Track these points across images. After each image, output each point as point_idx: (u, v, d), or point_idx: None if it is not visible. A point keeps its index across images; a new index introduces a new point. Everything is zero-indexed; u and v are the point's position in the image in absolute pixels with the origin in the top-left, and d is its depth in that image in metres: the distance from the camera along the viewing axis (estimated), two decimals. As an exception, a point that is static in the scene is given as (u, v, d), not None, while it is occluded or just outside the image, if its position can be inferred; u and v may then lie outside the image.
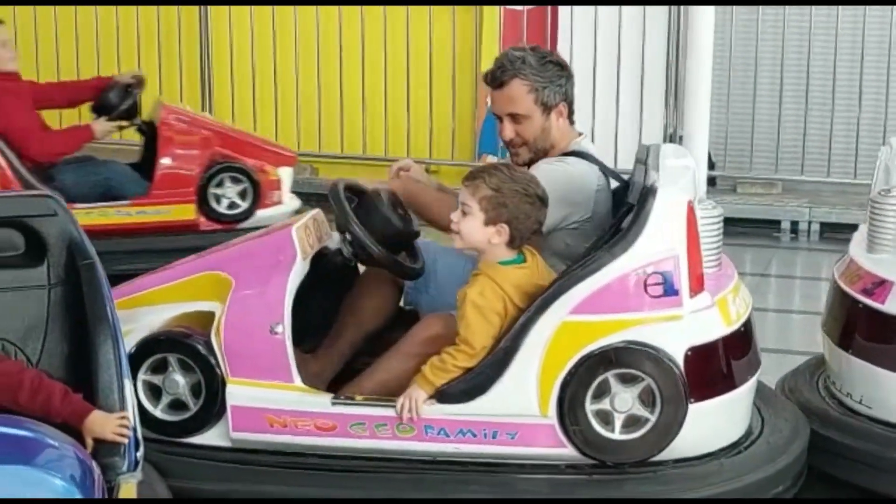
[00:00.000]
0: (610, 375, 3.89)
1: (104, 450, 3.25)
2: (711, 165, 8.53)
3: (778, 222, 8.35)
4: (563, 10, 8.51)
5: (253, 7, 8.98)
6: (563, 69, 4.39)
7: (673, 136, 8.54)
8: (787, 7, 8.47)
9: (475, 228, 3.95)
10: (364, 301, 4.41)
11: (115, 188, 6.85)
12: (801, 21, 8.50)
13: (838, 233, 7.83)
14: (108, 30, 9.24)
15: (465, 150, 8.91)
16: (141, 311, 4.11)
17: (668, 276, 3.90)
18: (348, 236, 4.20)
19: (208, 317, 4.11)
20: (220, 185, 6.86)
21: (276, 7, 8.95)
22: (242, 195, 6.89)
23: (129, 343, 3.80)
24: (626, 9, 8.42)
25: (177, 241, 6.55)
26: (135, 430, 3.35)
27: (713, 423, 4.02)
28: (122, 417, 3.32)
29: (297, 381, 4.02)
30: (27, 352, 3.56)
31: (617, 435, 3.92)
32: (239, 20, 9.05)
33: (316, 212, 4.40)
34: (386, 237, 4.18)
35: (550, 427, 3.91)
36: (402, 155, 8.27)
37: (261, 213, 6.90)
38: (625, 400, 3.90)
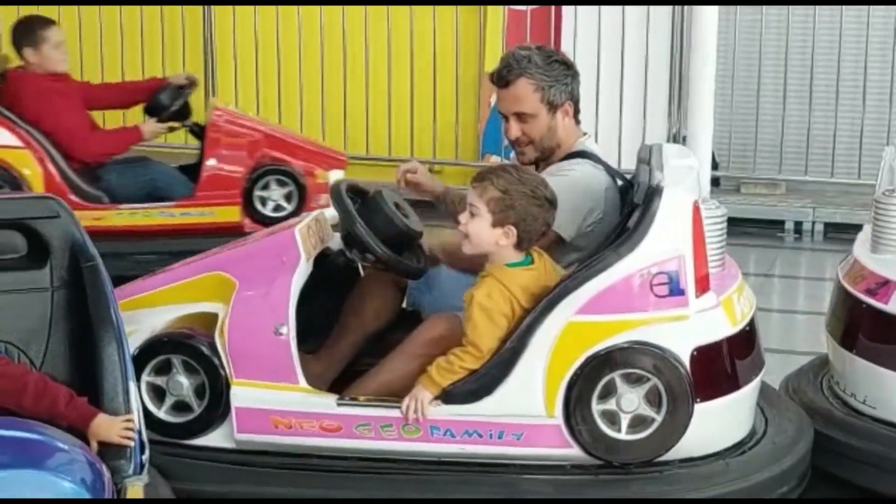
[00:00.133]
0: (616, 376, 3.88)
1: (110, 453, 3.23)
2: (715, 166, 8.51)
3: (781, 222, 8.35)
4: (567, 11, 8.50)
5: (256, 7, 8.96)
6: (569, 68, 4.39)
7: (676, 137, 8.53)
8: (790, 7, 8.46)
9: (483, 230, 3.94)
10: (366, 302, 4.40)
11: (161, 189, 6.83)
12: (805, 21, 8.50)
13: (842, 233, 7.83)
14: (111, 30, 9.24)
15: (469, 150, 8.90)
16: (144, 313, 4.09)
17: (674, 276, 3.89)
18: (351, 237, 4.19)
19: (211, 318, 4.09)
20: (265, 187, 6.83)
21: (279, 7, 8.94)
22: (288, 198, 6.85)
23: (132, 344, 3.76)
24: (630, 9, 8.42)
25: (221, 243, 6.54)
26: (140, 432, 3.34)
27: (719, 422, 4.02)
28: (128, 420, 3.30)
29: (302, 382, 4.00)
30: (30, 354, 3.54)
31: (623, 435, 3.91)
32: (242, 21, 9.04)
33: (318, 213, 4.39)
34: (389, 237, 4.17)
35: (556, 427, 3.90)
36: (405, 155, 8.29)
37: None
38: (631, 400, 3.90)
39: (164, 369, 4.04)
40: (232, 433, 4.02)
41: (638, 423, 3.91)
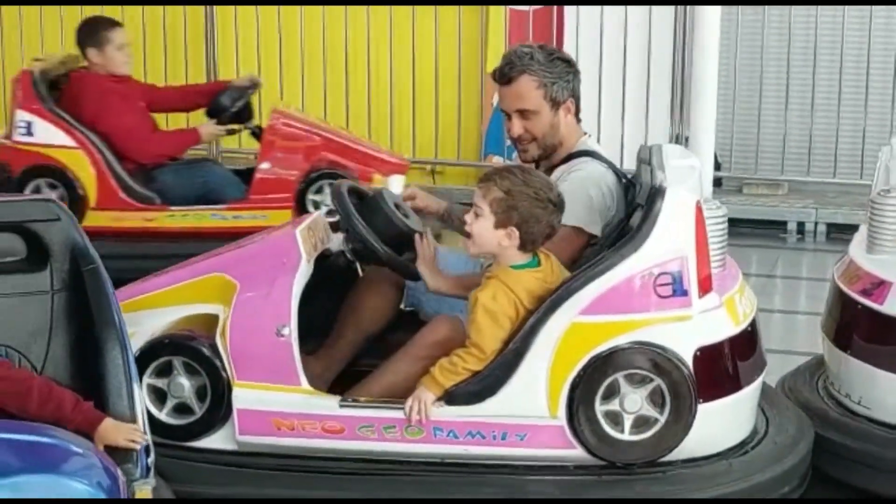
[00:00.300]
0: (619, 376, 3.88)
1: (117, 457, 3.20)
2: (717, 166, 8.51)
3: (784, 223, 8.32)
4: (569, 12, 8.49)
5: (258, 7, 8.95)
6: (571, 66, 4.39)
7: (679, 137, 8.52)
8: (793, 8, 8.45)
9: (486, 230, 3.93)
10: (365, 302, 4.40)
11: (214, 192, 6.81)
12: (808, 22, 8.48)
13: (845, 233, 7.79)
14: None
15: (471, 150, 8.89)
16: (144, 314, 4.08)
17: (677, 277, 3.89)
18: (352, 237, 4.19)
19: (212, 320, 4.09)
20: (319, 191, 6.76)
21: (281, 7, 8.92)
22: None
23: (133, 346, 3.76)
24: (632, 10, 8.40)
25: None
26: (145, 436, 3.33)
27: (721, 423, 4.02)
28: (134, 424, 3.30)
29: (304, 383, 4.00)
30: (31, 358, 3.53)
31: (626, 435, 3.91)
32: (244, 22, 9.03)
33: (317, 214, 4.39)
34: (389, 237, 4.17)
35: (560, 428, 3.90)
36: (408, 155, 8.27)
37: None
38: (634, 401, 3.89)
39: (166, 371, 4.03)
40: (233, 435, 4.01)
41: (641, 423, 3.91)
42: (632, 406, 3.89)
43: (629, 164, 4.59)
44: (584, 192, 4.12)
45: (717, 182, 8.51)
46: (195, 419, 4.02)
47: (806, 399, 4.55)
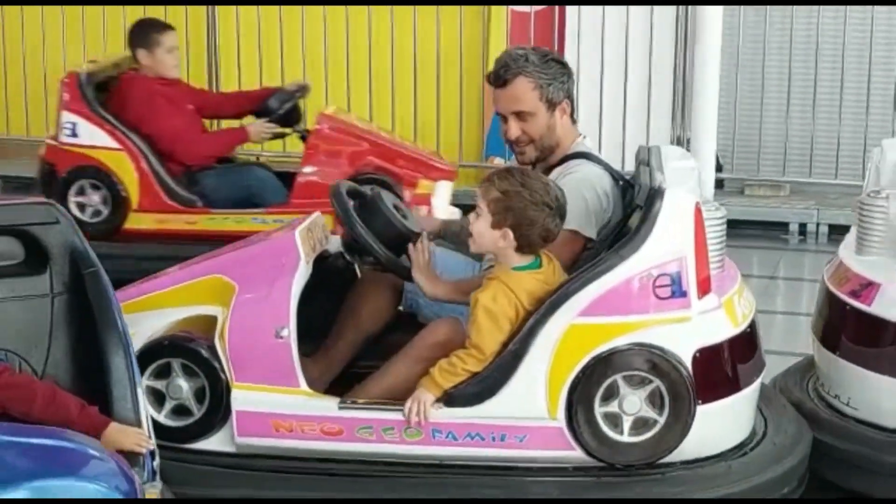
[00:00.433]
0: (618, 378, 3.88)
1: None
2: (719, 167, 8.50)
3: (785, 224, 8.31)
4: (571, 13, 8.48)
5: (260, 7, 8.95)
6: (565, 67, 4.39)
7: (681, 139, 8.52)
8: (794, 9, 8.44)
9: (484, 230, 3.94)
10: (363, 304, 4.40)
11: (256, 195, 6.77)
12: (809, 23, 8.48)
13: (847, 235, 7.80)
14: (115, 30, 9.21)
15: (473, 152, 8.89)
16: (143, 316, 4.07)
17: (677, 278, 3.88)
18: (351, 238, 4.19)
19: (211, 321, 4.08)
20: None
21: (283, 8, 8.92)
22: None
23: (132, 348, 3.78)
24: (634, 11, 8.39)
25: None
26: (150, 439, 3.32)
27: (721, 424, 4.02)
28: (139, 428, 3.30)
29: (303, 385, 4.00)
30: (31, 362, 3.52)
31: (625, 437, 3.91)
32: (246, 23, 9.02)
33: (316, 215, 4.38)
34: (388, 238, 4.17)
35: (559, 430, 3.90)
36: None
37: None
38: (633, 402, 3.89)
39: (164, 373, 4.03)
40: (232, 437, 4.01)
41: (640, 425, 3.91)
42: (631, 407, 3.89)
43: (631, 166, 4.58)
44: (578, 195, 4.11)
45: (719, 183, 8.49)
46: (194, 421, 4.02)
47: (796, 400, 4.56)
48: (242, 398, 3.98)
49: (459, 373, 3.90)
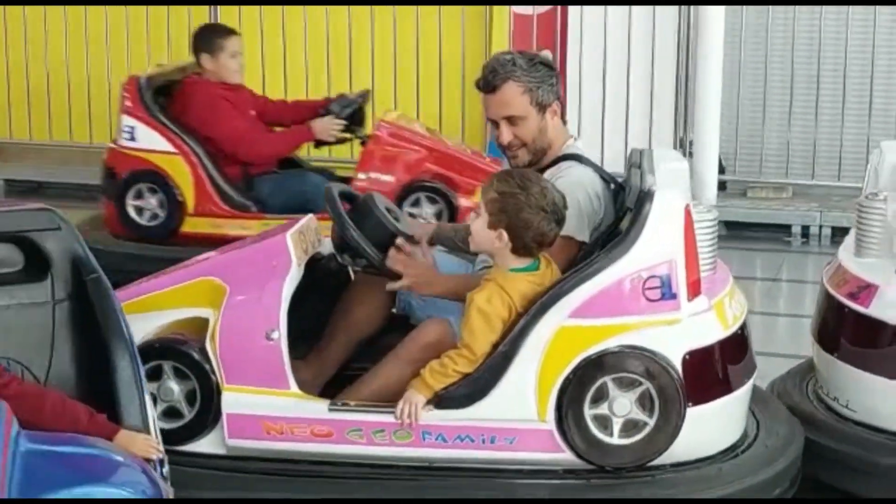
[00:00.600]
0: (608, 380, 3.88)
1: None
2: (722, 170, 8.51)
3: (788, 226, 8.29)
4: (573, 16, 8.47)
5: (262, 8, 8.95)
6: (552, 69, 4.39)
7: (683, 141, 8.52)
8: (797, 11, 8.43)
9: (481, 229, 3.96)
10: (356, 307, 4.40)
11: (311, 201, 6.61)
12: (812, 25, 8.46)
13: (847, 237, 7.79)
14: (118, 30, 9.24)
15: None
16: (135, 318, 4.00)
17: (666, 280, 3.88)
18: (343, 241, 4.19)
19: (204, 323, 4.09)
20: (416, 204, 6.66)
21: (285, 8, 8.92)
22: (438, 216, 6.62)
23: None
24: (636, 13, 8.39)
25: None
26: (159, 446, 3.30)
27: (711, 426, 4.02)
28: (148, 435, 3.28)
29: (294, 387, 4.00)
30: (34, 370, 3.48)
31: (615, 439, 3.90)
32: (248, 23, 9.02)
33: (309, 217, 4.39)
34: (379, 241, 4.17)
35: (548, 432, 3.90)
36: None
37: None
38: (623, 404, 3.89)
39: (155, 375, 4.02)
40: (223, 439, 4.01)
41: (630, 427, 3.91)
42: (621, 410, 3.89)
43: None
44: (571, 199, 4.09)
45: (722, 185, 8.50)
46: (184, 423, 4.02)
47: (795, 402, 4.56)
48: (233, 400, 3.99)
49: (450, 374, 3.91)
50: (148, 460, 3.20)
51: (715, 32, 8.20)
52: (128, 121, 6.75)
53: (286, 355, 3.99)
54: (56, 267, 3.52)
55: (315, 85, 8.92)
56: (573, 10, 8.47)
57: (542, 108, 4.31)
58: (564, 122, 4.47)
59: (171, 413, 4.03)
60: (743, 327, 4.14)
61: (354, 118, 6.95)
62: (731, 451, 4.09)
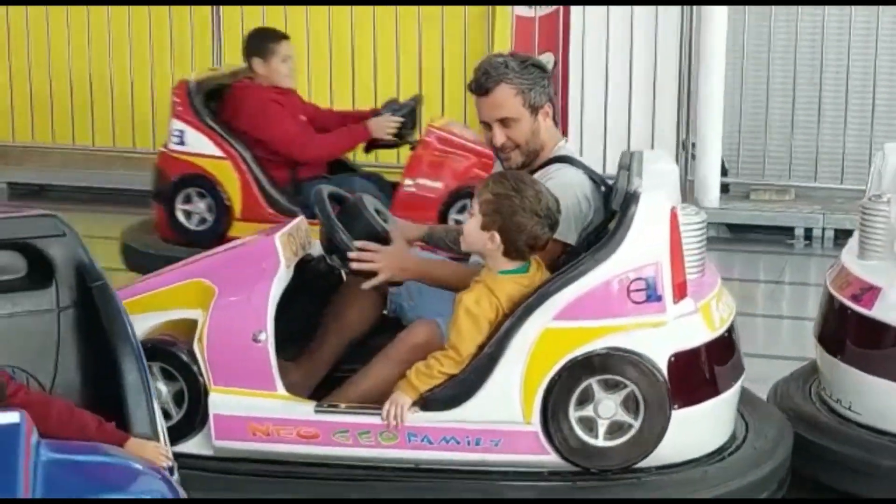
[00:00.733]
0: (593, 382, 3.87)
1: None
2: (724, 172, 8.50)
3: (791, 229, 8.29)
4: (575, 19, 8.48)
5: (265, 8, 8.97)
6: (544, 71, 4.38)
7: (686, 143, 8.51)
8: (799, 13, 8.43)
9: (473, 230, 3.96)
10: (348, 309, 4.40)
11: None
12: (814, 27, 8.46)
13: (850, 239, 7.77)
14: (120, 30, 9.26)
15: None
16: (126, 320, 4.09)
17: (651, 282, 3.88)
18: (332, 243, 4.20)
19: (193, 325, 4.09)
20: (462, 210, 6.57)
21: (287, 9, 8.94)
22: None
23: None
24: (638, 15, 8.39)
25: None
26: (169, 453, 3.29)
27: (697, 429, 4.01)
28: (158, 443, 3.26)
29: (280, 389, 4.01)
30: (39, 378, 3.46)
31: (600, 441, 3.90)
32: (251, 23, 9.03)
33: (300, 219, 4.40)
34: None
35: (534, 434, 3.90)
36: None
37: None
38: (608, 406, 3.89)
39: (143, 376, 4.04)
40: (210, 440, 4.02)
41: (615, 429, 3.90)
42: (606, 412, 3.88)
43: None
44: (560, 201, 4.10)
45: (724, 188, 8.50)
46: (172, 424, 4.01)
47: (798, 404, 4.55)
48: (220, 402, 4.00)
49: (436, 375, 3.91)
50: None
51: (717, 34, 8.21)
52: (177, 125, 6.77)
53: (273, 357, 4.00)
54: (60, 274, 3.48)
55: (317, 86, 8.94)
56: (575, 13, 8.47)
57: (534, 109, 4.31)
58: (556, 124, 4.47)
59: (158, 414, 4.05)
60: (730, 330, 4.14)
61: (406, 122, 6.91)
62: (718, 454, 4.08)
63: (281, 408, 3.99)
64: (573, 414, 3.87)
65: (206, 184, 6.71)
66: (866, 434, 4.31)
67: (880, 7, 8.31)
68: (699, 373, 4.00)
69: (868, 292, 4.34)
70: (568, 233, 4.15)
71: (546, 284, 3.90)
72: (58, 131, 9.42)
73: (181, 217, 6.77)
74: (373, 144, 6.92)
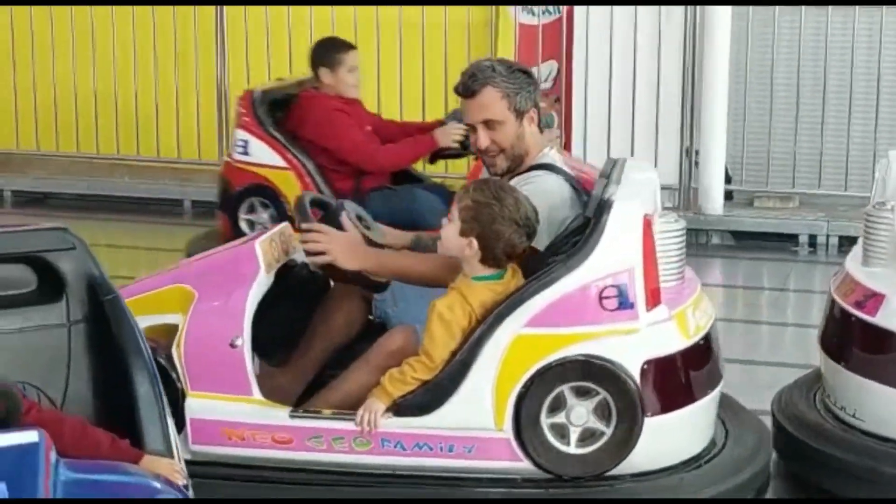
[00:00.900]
0: (565, 389, 3.88)
1: None
2: (728, 179, 8.49)
3: (795, 236, 8.27)
4: (579, 25, 8.47)
5: (268, 9, 8.99)
6: (531, 77, 4.41)
7: (690, 151, 8.49)
8: (803, 20, 8.41)
9: (451, 236, 3.97)
10: (334, 315, 4.42)
11: (419, 219, 6.56)
12: (817, 35, 8.44)
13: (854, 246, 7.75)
14: (124, 30, 9.30)
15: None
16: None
17: (624, 290, 3.88)
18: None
19: (174, 329, 4.11)
20: None
21: (291, 9, 8.95)
22: None
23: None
24: (642, 22, 8.38)
25: None
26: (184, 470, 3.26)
27: (672, 436, 4.00)
28: (172, 460, 3.23)
29: (256, 394, 4.03)
30: (49, 394, 3.40)
31: (573, 448, 3.91)
32: (254, 23, 9.07)
33: (284, 225, 4.42)
34: None
35: (506, 441, 3.91)
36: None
37: None
38: (580, 413, 3.89)
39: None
40: (187, 444, 4.02)
41: (587, 436, 3.91)
42: (578, 419, 3.89)
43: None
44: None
45: (728, 195, 8.48)
46: (150, 429, 4.05)
47: (802, 412, 4.55)
48: (197, 406, 4.02)
49: (409, 381, 3.93)
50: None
51: (720, 42, 8.20)
52: (241, 134, 6.78)
53: (249, 362, 4.02)
54: (71, 288, 3.43)
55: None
56: (578, 20, 8.46)
57: (519, 114, 4.33)
58: (541, 131, 4.48)
59: (135, 419, 4.07)
60: (707, 337, 4.13)
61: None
62: (695, 461, 4.08)
63: (256, 413, 4.01)
64: (545, 421, 3.88)
65: (269, 194, 6.71)
66: (870, 441, 4.30)
67: (884, 14, 8.28)
68: (673, 380, 4.00)
69: (872, 299, 4.34)
70: (539, 240, 4.17)
71: (518, 291, 3.91)
72: (62, 139, 9.45)
73: (244, 227, 6.76)
74: (437, 154, 6.89)
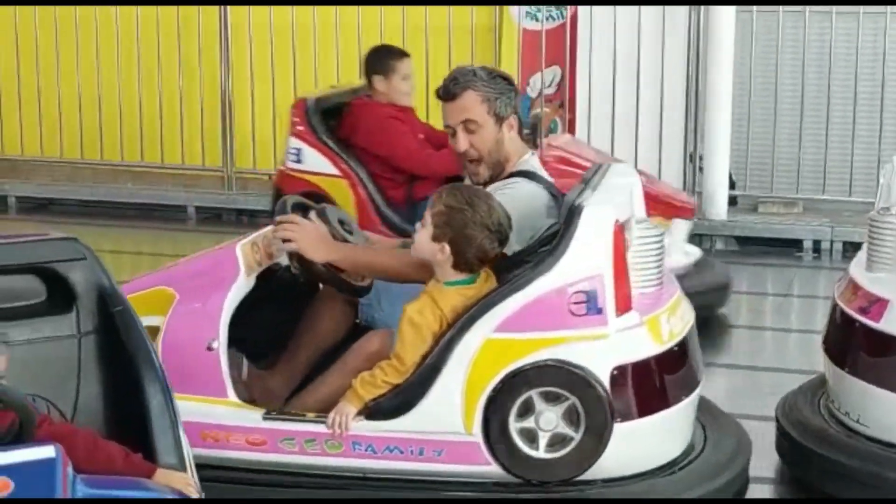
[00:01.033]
0: (534, 394, 3.90)
1: None
2: (732, 185, 8.48)
3: (799, 241, 8.26)
4: (583, 31, 8.48)
5: (272, 8, 9.01)
6: (511, 83, 4.43)
7: (693, 156, 8.49)
8: (807, 25, 8.39)
9: (424, 240, 4.00)
10: (321, 318, 4.44)
11: None
12: (822, 40, 8.43)
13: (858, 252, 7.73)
14: (128, 30, 9.35)
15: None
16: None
17: (593, 295, 3.89)
18: (295, 253, 4.25)
19: (156, 332, 4.15)
20: None
21: (295, 9, 8.98)
22: None
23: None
24: (646, 28, 8.38)
25: None
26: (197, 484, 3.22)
27: (644, 442, 4.01)
28: (185, 474, 3.19)
29: (232, 396, 4.06)
30: (59, 406, 3.35)
31: (541, 453, 3.92)
32: (258, 22, 9.09)
33: (267, 229, 4.45)
34: None
35: (475, 444, 3.93)
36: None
37: None
38: (549, 418, 3.91)
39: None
40: (163, 446, 4.08)
41: (557, 441, 3.92)
42: (547, 424, 3.90)
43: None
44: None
45: (732, 200, 8.47)
46: (127, 431, 4.09)
47: (806, 417, 4.56)
48: (174, 408, 4.06)
49: (380, 384, 3.95)
50: None
51: (725, 47, 8.19)
52: (294, 143, 6.76)
53: (225, 364, 4.06)
54: (81, 299, 3.39)
55: (326, 85, 8.99)
56: (582, 25, 8.47)
57: (499, 119, 4.35)
58: (523, 139, 4.50)
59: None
60: (682, 343, 4.13)
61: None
62: (669, 467, 4.08)
63: (231, 415, 4.04)
64: (514, 425, 3.90)
65: (321, 202, 6.71)
66: (874, 447, 4.30)
67: (888, 20, 8.27)
68: (644, 386, 4.00)
69: (876, 305, 4.34)
70: (509, 245, 4.19)
71: (488, 296, 3.93)
72: (66, 146, 9.48)
73: None
74: None
